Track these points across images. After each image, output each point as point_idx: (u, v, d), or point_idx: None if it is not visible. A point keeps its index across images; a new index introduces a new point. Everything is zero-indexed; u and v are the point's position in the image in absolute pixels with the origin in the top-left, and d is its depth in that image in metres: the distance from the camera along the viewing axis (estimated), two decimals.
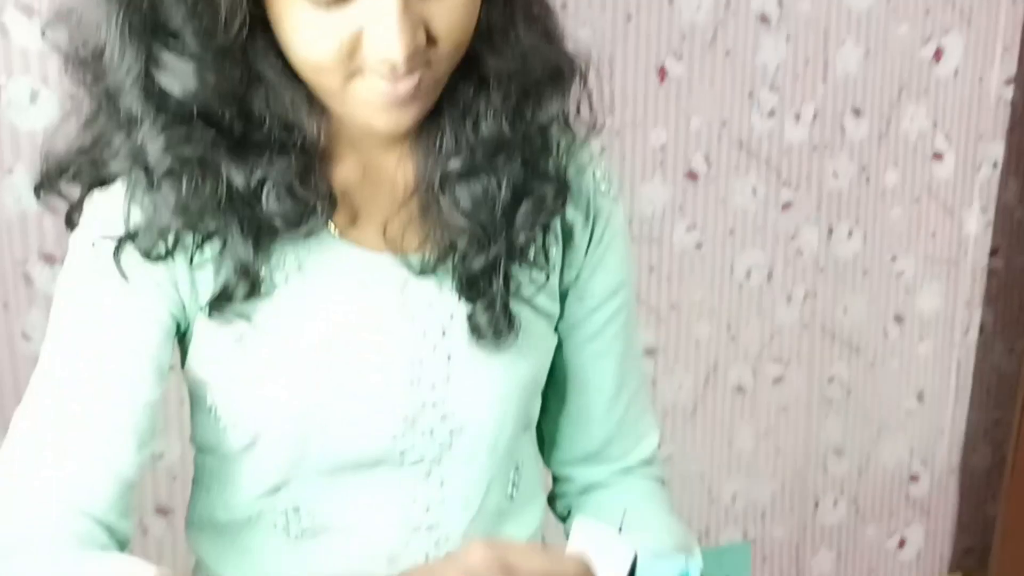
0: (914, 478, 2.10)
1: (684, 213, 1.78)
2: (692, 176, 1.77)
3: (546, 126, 0.72)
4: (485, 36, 0.67)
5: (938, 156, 1.92)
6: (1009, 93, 1.93)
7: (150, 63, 0.62)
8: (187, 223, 0.66)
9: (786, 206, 1.84)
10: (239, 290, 0.69)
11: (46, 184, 0.71)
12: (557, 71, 0.72)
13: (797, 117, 1.80)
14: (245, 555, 0.76)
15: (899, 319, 2.00)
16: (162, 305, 0.70)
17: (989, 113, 1.93)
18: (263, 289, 0.70)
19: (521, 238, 0.73)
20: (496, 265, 0.72)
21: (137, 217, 0.68)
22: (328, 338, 0.71)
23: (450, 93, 0.69)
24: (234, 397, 0.71)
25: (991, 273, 2.04)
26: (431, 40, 0.63)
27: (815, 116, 1.81)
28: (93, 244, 0.68)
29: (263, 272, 0.70)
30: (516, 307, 0.75)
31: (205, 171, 0.65)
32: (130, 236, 0.67)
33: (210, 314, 0.70)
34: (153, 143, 0.64)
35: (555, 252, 0.77)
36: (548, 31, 0.71)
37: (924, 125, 1.89)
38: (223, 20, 0.60)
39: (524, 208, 0.72)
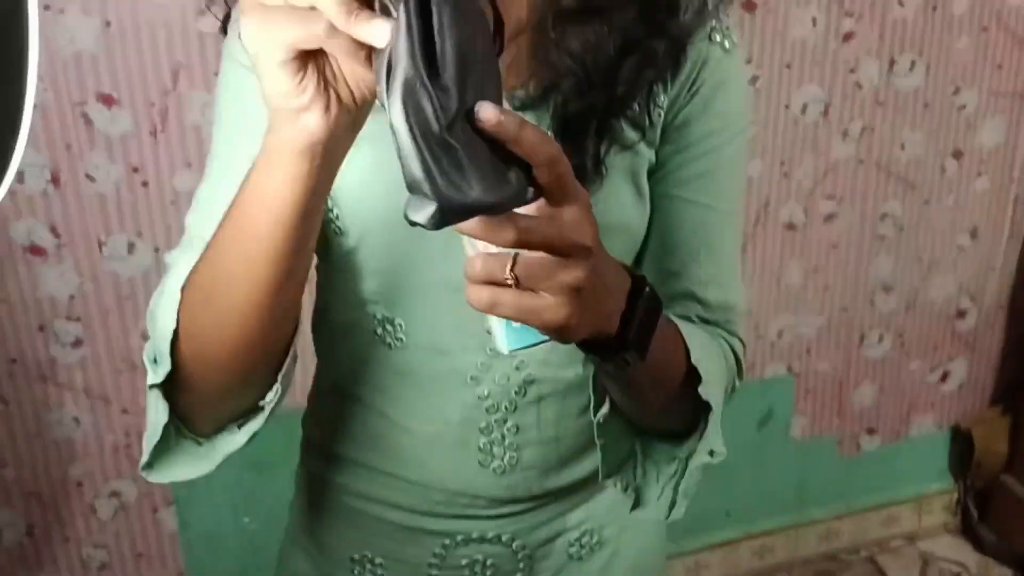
0: (961, 314, 2.11)
1: (740, 46, 1.73)
2: (750, 7, 1.71)
3: None
4: None
5: None
6: None
7: None
8: None
9: (847, 37, 1.78)
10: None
11: None
12: None
13: None
14: (351, 356, 0.83)
15: (957, 154, 1.96)
16: None
17: None
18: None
19: (623, 90, 0.72)
20: (593, 112, 0.72)
21: None
22: None
23: None
24: (342, 201, 0.75)
25: None
26: None
27: None
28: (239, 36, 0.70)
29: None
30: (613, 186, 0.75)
31: None
32: None
33: None
34: None
35: (657, 117, 0.76)
36: None
37: None
38: None
39: (631, 61, 0.72)
